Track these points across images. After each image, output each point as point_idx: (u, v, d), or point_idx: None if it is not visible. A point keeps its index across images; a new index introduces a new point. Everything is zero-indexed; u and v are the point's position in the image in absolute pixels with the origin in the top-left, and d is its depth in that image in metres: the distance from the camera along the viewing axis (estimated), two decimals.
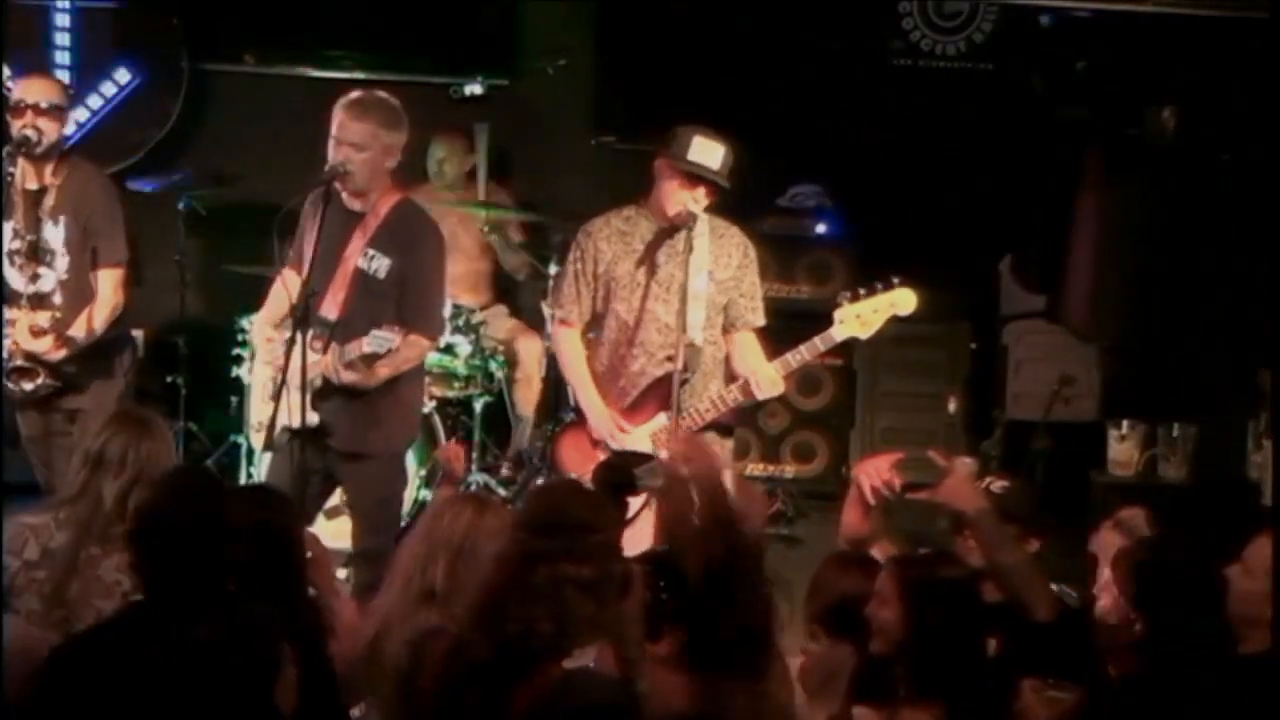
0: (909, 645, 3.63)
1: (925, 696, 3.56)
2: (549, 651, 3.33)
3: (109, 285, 5.86)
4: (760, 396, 5.44)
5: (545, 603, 3.36)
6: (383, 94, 5.51)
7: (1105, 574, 4.08)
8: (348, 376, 5.23)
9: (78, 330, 5.80)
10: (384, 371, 5.26)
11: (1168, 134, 7.76)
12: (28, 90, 5.80)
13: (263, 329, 5.68)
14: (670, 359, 5.27)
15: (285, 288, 5.43)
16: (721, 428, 5.52)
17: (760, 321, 5.54)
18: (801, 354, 5.38)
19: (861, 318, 5.36)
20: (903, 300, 5.40)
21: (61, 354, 5.77)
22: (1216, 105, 7.59)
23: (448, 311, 7.29)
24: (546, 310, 7.51)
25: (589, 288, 5.48)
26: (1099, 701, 3.63)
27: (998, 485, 4.44)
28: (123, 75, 8.20)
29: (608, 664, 3.44)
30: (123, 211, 5.98)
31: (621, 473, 4.23)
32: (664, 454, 5.22)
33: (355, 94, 5.48)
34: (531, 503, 3.85)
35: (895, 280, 5.39)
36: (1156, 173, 7.72)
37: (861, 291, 5.38)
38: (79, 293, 5.84)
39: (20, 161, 5.74)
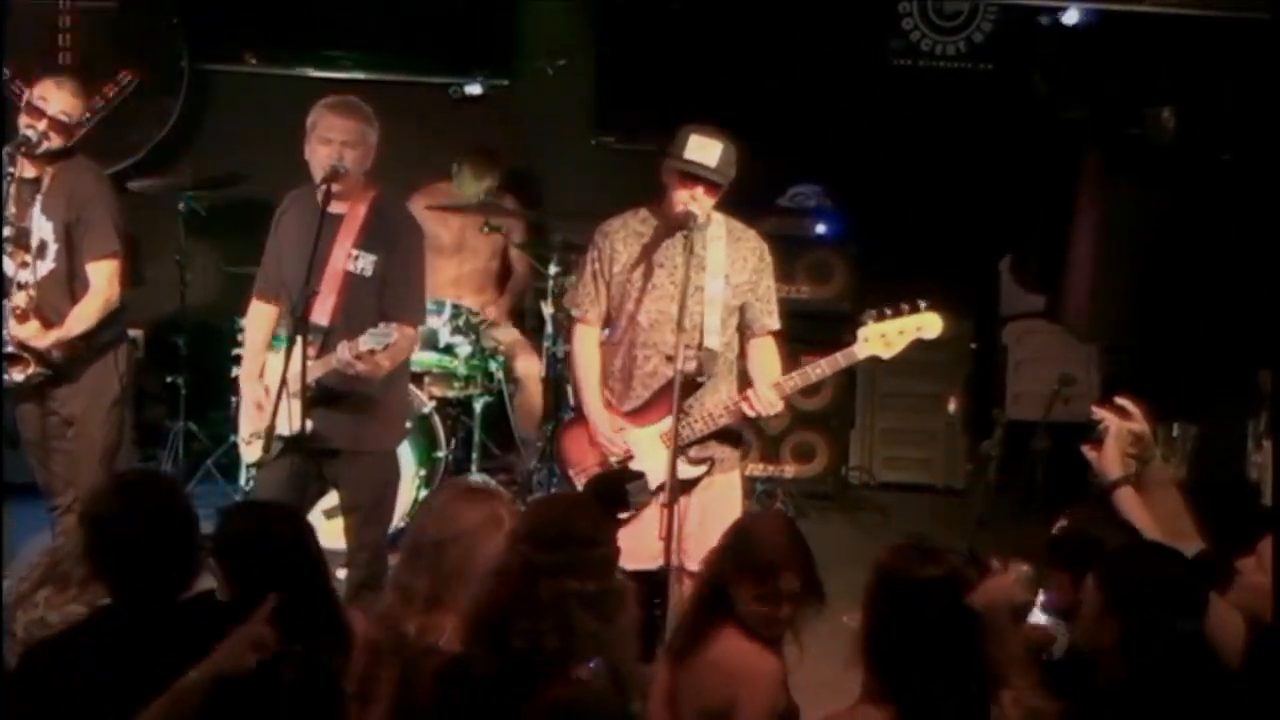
0: (867, 643, 3.59)
1: (882, 696, 3.51)
2: (553, 667, 3.30)
3: (101, 277, 5.86)
4: (753, 415, 5.34)
5: (551, 618, 3.33)
6: (355, 98, 5.56)
7: None
8: (361, 367, 5.24)
9: (73, 324, 5.80)
10: (387, 363, 5.29)
11: (1168, 134, 7.75)
12: (57, 100, 5.76)
13: (250, 406, 5.66)
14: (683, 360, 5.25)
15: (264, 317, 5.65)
16: (730, 434, 5.49)
17: (775, 325, 5.50)
18: (822, 368, 5.33)
19: (886, 338, 5.31)
20: (929, 324, 5.33)
21: (50, 340, 5.76)
22: (1216, 105, 7.59)
23: (449, 312, 7.34)
24: (546, 311, 7.51)
25: (605, 288, 5.49)
26: (1082, 711, 3.61)
27: (1059, 528, 4.31)
28: (123, 75, 8.20)
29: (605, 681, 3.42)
30: (114, 205, 5.97)
31: (614, 487, 4.21)
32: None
33: (333, 97, 5.51)
34: (533, 515, 3.79)
35: (923, 304, 5.31)
36: (1156, 173, 7.71)
37: (888, 311, 5.31)
38: (68, 283, 5.83)
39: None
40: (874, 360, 5.43)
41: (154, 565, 3.47)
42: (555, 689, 3.27)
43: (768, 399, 5.30)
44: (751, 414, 5.34)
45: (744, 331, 5.49)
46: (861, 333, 5.33)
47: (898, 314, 5.32)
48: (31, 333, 5.75)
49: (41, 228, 5.79)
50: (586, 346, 5.55)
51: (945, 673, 3.45)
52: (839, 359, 5.33)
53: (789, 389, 5.35)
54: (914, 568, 3.54)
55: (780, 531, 4.15)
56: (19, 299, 5.75)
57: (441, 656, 3.52)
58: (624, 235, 5.46)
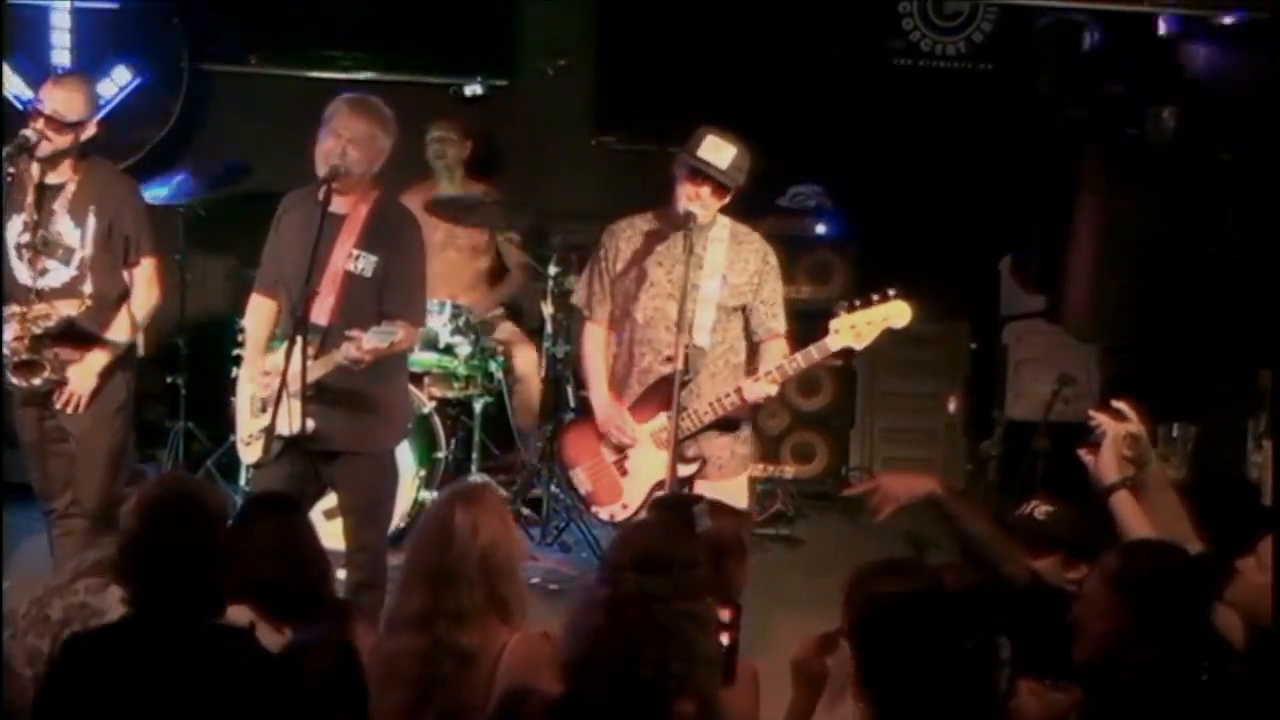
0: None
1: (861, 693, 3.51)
2: (677, 692, 3.29)
3: (145, 277, 5.83)
4: (750, 401, 5.43)
5: (675, 642, 3.32)
6: (378, 99, 5.55)
7: None
8: (352, 353, 5.22)
9: (118, 332, 5.79)
10: (381, 348, 5.26)
11: (1168, 134, 7.75)
12: (52, 98, 5.69)
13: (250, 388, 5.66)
14: (672, 359, 5.27)
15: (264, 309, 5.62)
16: (726, 435, 5.50)
17: (781, 328, 5.54)
18: (797, 362, 5.37)
19: (856, 328, 5.32)
20: (897, 313, 5.33)
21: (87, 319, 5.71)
22: (1216, 105, 7.58)
23: (449, 312, 7.34)
24: (546, 311, 7.52)
25: (610, 286, 5.52)
26: (1097, 701, 3.61)
27: (1041, 510, 4.32)
28: (123, 75, 8.19)
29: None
30: (144, 205, 5.95)
31: (683, 509, 4.21)
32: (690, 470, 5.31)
33: (355, 94, 5.52)
34: (629, 543, 3.72)
35: (891, 292, 5.33)
36: (1156, 173, 7.71)
37: (858, 302, 5.34)
38: (78, 289, 5.79)
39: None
40: (848, 353, 5.45)
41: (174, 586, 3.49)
42: (680, 707, 3.28)
43: (758, 388, 5.35)
44: (748, 400, 5.38)
45: (750, 336, 5.51)
46: (833, 324, 5.35)
47: (867, 304, 5.33)
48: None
49: (68, 234, 5.75)
50: (593, 343, 5.62)
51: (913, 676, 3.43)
52: (812, 352, 5.36)
53: (779, 378, 5.38)
54: (889, 583, 3.53)
55: (674, 526, 4.20)
56: (38, 308, 5.70)
57: (541, 698, 3.48)
58: (629, 235, 5.53)
